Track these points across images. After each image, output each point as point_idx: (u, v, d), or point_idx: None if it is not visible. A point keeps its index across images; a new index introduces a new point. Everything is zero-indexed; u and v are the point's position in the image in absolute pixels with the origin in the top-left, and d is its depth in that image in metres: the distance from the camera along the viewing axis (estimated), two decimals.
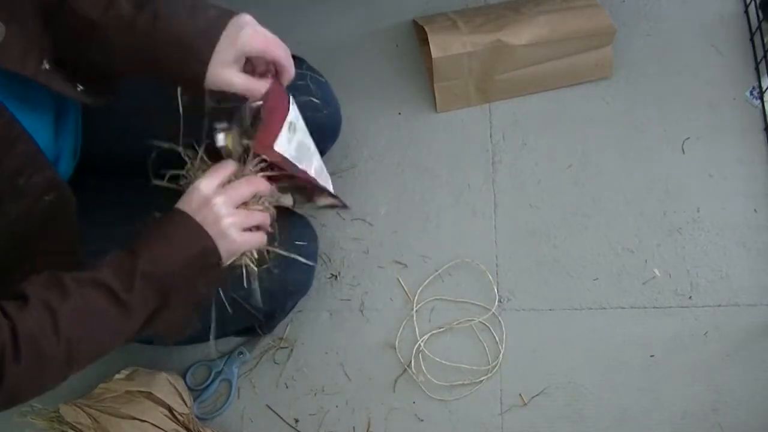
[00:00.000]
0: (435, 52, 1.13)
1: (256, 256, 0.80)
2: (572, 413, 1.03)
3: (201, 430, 1.01)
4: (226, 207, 0.73)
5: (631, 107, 1.19)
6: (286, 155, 0.78)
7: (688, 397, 1.02)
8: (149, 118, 0.89)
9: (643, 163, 1.15)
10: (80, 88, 0.75)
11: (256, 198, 0.77)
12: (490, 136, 1.19)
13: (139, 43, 0.70)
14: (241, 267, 0.80)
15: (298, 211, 0.94)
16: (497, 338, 1.07)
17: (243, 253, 0.78)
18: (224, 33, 0.69)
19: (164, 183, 0.80)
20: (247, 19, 0.71)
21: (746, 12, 1.23)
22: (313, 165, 0.86)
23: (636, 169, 1.15)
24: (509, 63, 1.16)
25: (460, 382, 1.05)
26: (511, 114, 1.20)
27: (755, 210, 1.12)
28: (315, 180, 0.85)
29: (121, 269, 0.68)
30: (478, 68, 1.16)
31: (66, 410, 0.97)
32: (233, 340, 1.09)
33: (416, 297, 1.10)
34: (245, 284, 0.82)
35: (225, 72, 0.70)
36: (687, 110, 1.18)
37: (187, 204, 0.73)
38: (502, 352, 1.06)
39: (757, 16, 1.21)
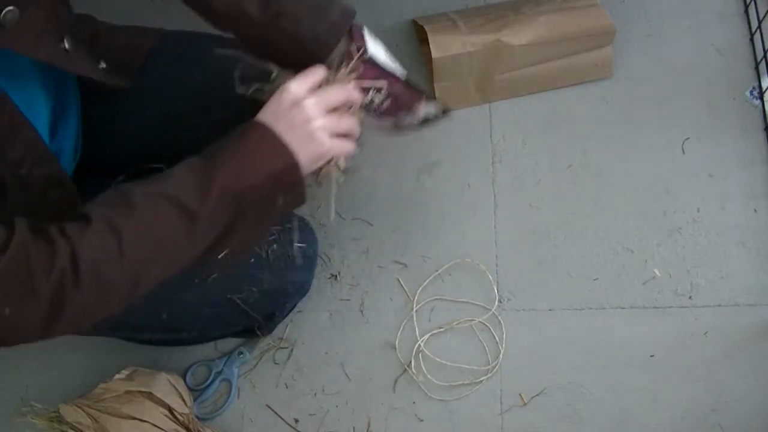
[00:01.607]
0: (435, 52, 1.13)
1: (342, 165, 0.75)
2: (572, 413, 1.03)
3: (201, 430, 1.01)
4: (317, 108, 0.69)
5: (631, 107, 1.19)
6: (379, 58, 0.76)
7: (688, 397, 1.02)
8: (151, 120, 0.89)
9: (643, 163, 1.15)
10: (103, 65, 0.74)
11: (346, 107, 0.73)
12: (490, 136, 1.19)
13: (262, 35, 0.71)
14: (324, 175, 0.75)
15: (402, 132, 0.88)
16: (497, 338, 1.07)
17: (329, 161, 0.73)
18: (343, 39, 0.72)
19: (249, 93, 0.76)
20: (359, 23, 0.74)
21: (746, 12, 1.23)
22: (399, 73, 0.81)
23: (636, 169, 1.15)
24: (509, 63, 1.16)
25: (460, 382, 1.05)
26: (511, 114, 1.20)
27: (755, 210, 1.11)
28: (411, 83, 0.80)
29: (196, 182, 0.64)
30: (478, 68, 1.16)
31: (66, 410, 0.97)
32: (233, 340, 1.09)
33: (416, 297, 1.10)
34: (325, 199, 0.79)
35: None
36: (687, 110, 1.18)
37: (272, 109, 0.69)
38: (502, 352, 1.06)
39: (757, 16, 1.21)
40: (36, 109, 0.73)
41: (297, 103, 0.69)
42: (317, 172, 0.74)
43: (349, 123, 0.73)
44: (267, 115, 0.69)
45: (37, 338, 0.60)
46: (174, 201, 0.62)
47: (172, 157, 0.82)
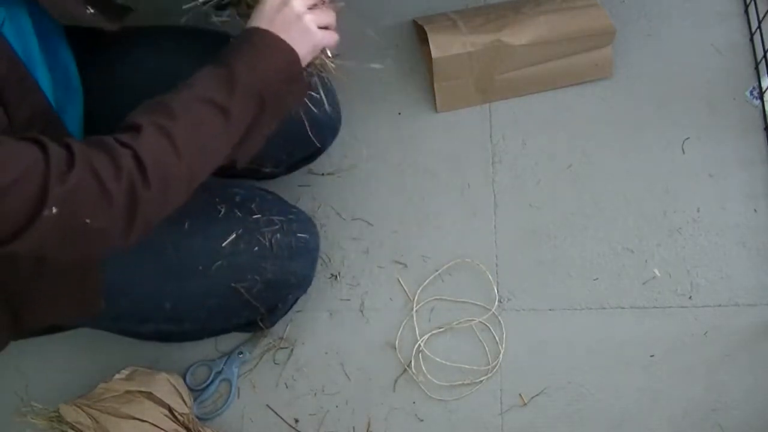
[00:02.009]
0: (435, 52, 1.13)
1: (330, 54, 0.83)
2: (572, 413, 1.03)
3: (201, 430, 1.01)
4: (302, 4, 0.76)
5: (631, 107, 1.19)
6: None
7: (688, 397, 1.02)
8: (146, 95, 0.90)
9: (643, 163, 1.15)
10: (90, 11, 0.78)
11: (321, 1, 0.80)
12: (490, 136, 1.19)
13: None
14: (318, 70, 0.83)
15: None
16: (497, 338, 1.07)
17: (321, 52, 0.81)
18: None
19: (224, 17, 0.84)
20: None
21: (746, 12, 1.23)
22: None
23: (636, 169, 1.15)
24: (509, 63, 1.16)
25: (460, 382, 1.05)
26: (511, 114, 1.20)
27: (755, 210, 1.12)
28: None
29: (219, 81, 0.71)
30: (478, 68, 1.16)
31: (66, 410, 0.97)
32: (233, 340, 1.09)
33: (416, 297, 1.10)
34: (320, 90, 0.87)
35: None
36: (687, 110, 1.18)
37: (264, 13, 0.76)
38: (502, 352, 1.06)
39: (757, 16, 1.21)
40: (43, 85, 0.75)
41: (285, 2, 0.76)
42: (312, 63, 0.81)
43: (329, 14, 0.80)
44: (261, 20, 0.76)
45: (120, 242, 0.65)
46: (208, 101, 0.69)
47: None
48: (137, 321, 0.95)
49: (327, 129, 1.05)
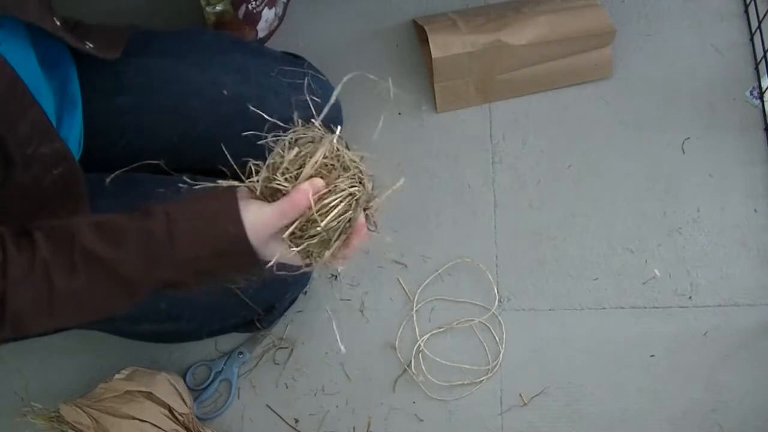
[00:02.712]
0: (435, 52, 1.13)
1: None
2: (572, 413, 1.03)
3: (201, 430, 1.01)
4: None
5: (631, 107, 1.19)
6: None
7: (688, 397, 1.02)
8: (151, 117, 0.90)
9: (643, 163, 1.15)
10: (89, 45, 0.78)
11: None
12: (490, 136, 1.19)
13: None
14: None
15: None
16: (497, 338, 1.07)
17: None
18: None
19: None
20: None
21: (746, 12, 1.23)
22: None
23: (636, 169, 1.15)
24: (509, 63, 1.16)
25: (460, 382, 1.05)
26: (511, 114, 1.20)
27: (755, 210, 1.12)
28: None
29: (142, 246, 0.61)
30: (479, 68, 1.16)
31: (66, 410, 0.97)
32: (233, 340, 1.09)
33: (416, 297, 1.10)
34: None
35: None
36: (687, 110, 1.18)
37: (265, 213, 0.63)
38: (502, 352, 1.06)
39: (757, 16, 1.21)
40: (41, 98, 0.75)
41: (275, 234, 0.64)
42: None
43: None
44: (255, 211, 0.63)
45: None
46: (113, 273, 0.61)
47: (171, 153, 0.82)
48: (133, 321, 0.94)
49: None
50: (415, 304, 1.09)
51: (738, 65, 1.20)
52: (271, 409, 1.06)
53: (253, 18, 1.19)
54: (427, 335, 1.07)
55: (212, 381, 1.06)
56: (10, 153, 0.66)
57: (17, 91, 0.66)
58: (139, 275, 0.62)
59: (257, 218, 0.62)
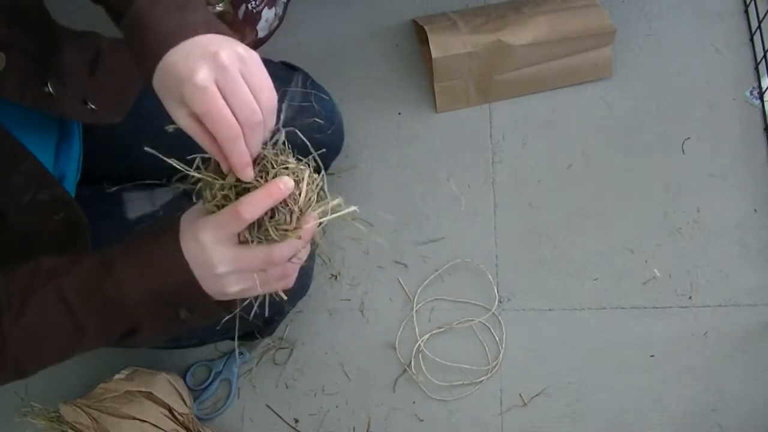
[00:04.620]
0: (435, 52, 1.13)
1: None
2: (572, 413, 1.03)
3: (201, 430, 1.01)
4: (252, 261, 0.61)
5: (631, 107, 1.19)
6: None
7: (688, 397, 1.02)
8: (149, 139, 0.90)
9: (643, 164, 1.15)
10: (91, 107, 0.74)
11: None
12: (490, 136, 1.19)
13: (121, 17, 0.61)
14: None
15: None
16: (497, 338, 1.07)
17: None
18: (168, 56, 0.54)
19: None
20: (210, 47, 0.54)
21: (746, 12, 1.23)
22: None
23: (636, 170, 1.15)
24: (509, 63, 1.16)
25: (460, 382, 1.05)
26: (511, 114, 1.20)
27: (755, 210, 1.11)
28: None
29: (86, 284, 0.58)
30: (478, 68, 1.16)
31: (66, 410, 0.97)
32: (233, 341, 1.09)
33: (416, 297, 1.10)
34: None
35: (167, 102, 0.56)
36: (687, 110, 1.18)
37: (203, 223, 0.58)
38: (502, 352, 1.06)
39: (757, 16, 1.21)
40: (43, 136, 0.74)
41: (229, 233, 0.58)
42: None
43: (286, 270, 0.66)
44: (195, 227, 0.58)
45: None
46: (64, 302, 0.58)
47: (167, 173, 0.82)
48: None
49: (330, 152, 1.06)
50: (415, 304, 1.09)
51: (738, 65, 1.20)
52: (271, 409, 1.06)
53: (253, 18, 1.19)
54: (427, 335, 1.07)
55: (212, 381, 1.06)
56: (1, 204, 0.64)
57: (6, 147, 0.63)
58: (86, 312, 0.59)
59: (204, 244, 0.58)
